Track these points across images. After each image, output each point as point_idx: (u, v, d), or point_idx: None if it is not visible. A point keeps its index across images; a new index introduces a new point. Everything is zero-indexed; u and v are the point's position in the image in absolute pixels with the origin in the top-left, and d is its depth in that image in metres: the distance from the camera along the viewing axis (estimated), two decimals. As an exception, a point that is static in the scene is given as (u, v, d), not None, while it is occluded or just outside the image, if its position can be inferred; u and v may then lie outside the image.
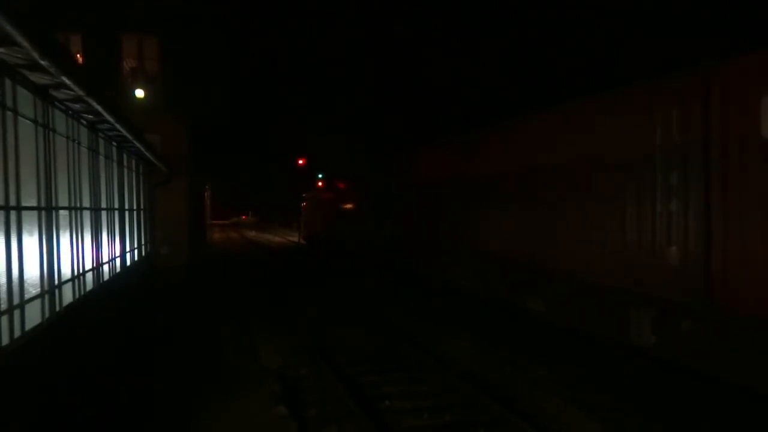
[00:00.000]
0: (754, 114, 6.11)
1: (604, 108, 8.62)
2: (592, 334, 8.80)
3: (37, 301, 5.68)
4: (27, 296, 5.31)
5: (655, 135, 7.48)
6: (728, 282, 6.44)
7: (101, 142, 9.09)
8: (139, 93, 20.28)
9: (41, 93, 5.93)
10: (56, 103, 6.50)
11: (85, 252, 7.80)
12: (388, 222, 19.01)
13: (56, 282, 6.26)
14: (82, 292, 7.51)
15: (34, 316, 5.54)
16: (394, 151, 22.85)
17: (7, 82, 5.04)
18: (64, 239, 6.76)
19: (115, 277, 9.93)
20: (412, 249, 16.68)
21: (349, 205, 25.23)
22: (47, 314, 5.92)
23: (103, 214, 9.14)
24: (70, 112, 7.09)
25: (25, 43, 4.21)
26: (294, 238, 44.02)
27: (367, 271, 20.66)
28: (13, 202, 4.99)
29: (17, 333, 5.00)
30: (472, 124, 19.09)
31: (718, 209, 6.56)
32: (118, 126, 8.34)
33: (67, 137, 7.07)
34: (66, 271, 6.82)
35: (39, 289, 5.74)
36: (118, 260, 10.36)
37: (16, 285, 5.01)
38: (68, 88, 5.83)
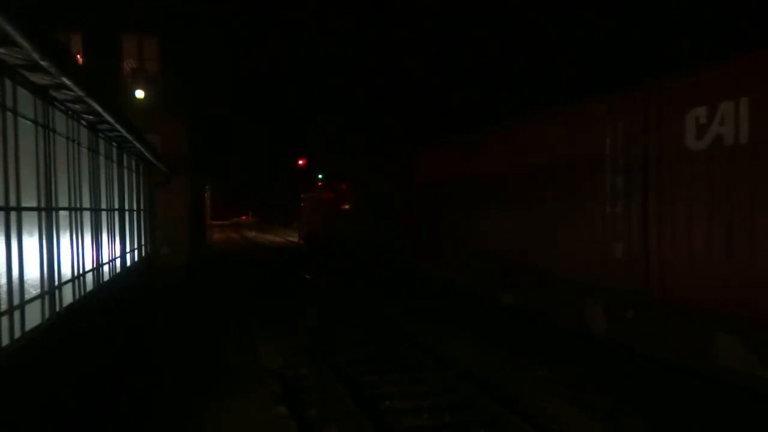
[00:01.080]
0: (681, 128, 7.06)
1: (565, 118, 9.46)
2: (555, 322, 9.71)
3: (37, 302, 5.68)
4: (27, 297, 5.31)
5: (605, 144, 8.35)
6: (662, 274, 7.31)
7: (101, 142, 9.09)
8: (139, 93, 20.28)
9: (41, 93, 5.93)
10: (56, 103, 6.50)
11: (85, 252, 7.80)
12: (385, 222, 19.12)
13: (56, 282, 6.26)
14: (83, 293, 7.51)
15: (34, 317, 5.54)
16: (391, 151, 23.05)
17: (7, 83, 5.04)
18: (64, 240, 6.76)
19: (115, 277, 9.93)
20: (409, 249, 16.79)
21: (347, 206, 25.29)
22: (47, 315, 5.92)
23: (103, 214, 9.14)
24: (70, 112, 7.09)
25: (25, 44, 4.21)
26: (294, 238, 44.02)
27: (366, 271, 20.72)
28: (13, 203, 4.99)
29: (17, 333, 5.01)
30: (467, 126, 19.31)
31: (654, 209, 7.45)
32: (118, 126, 8.34)
33: (67, 138, 7.07)
34: (66, 272, 6.82)
35: (39, 290, 5.74)
36: (118, 260, 10.37)
37: (16, 285, 5.01)
38: (68, 88, 5.83)
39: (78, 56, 19.19)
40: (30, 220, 5.51)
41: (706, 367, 6.70)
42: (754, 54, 6.38)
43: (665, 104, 7.33)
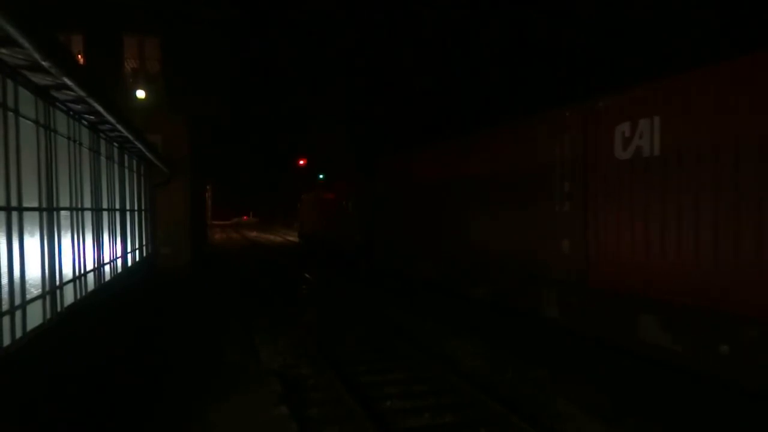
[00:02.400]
0: (611, 140, 8.18)
1: (525, 130, 10.58)
2: (517, 309, 10.88)
3: (39, 302, 5.69)
4: (28, 297, 5.32)
5: (555, 154, 9.51)
6: (597, 265, 8.48)
7: (102, 142, 9.10)
8: (140, 94, 20.30)
9: (42, 94, 5.94)
10: (57, 103, 6.51)
11: (87, 252, 7.81)
12: (378, 222, 19.45)
13: (57, 282, 6.27)
14: (84, 293, 7.52)
15: (35, 317, 5.55)
16: (384, 153, 23.31)
17: (9, 83, 5.05)
18: (66, 240, 6.77)
19: (116, 277, 9.94)
20: (400, 248, 17.13)
21: (342, 206, 25.52)
22: (48, 315, 5.93)
23: (105, 214, 9.15)
24: (71, 112, 7.10)
25: (26, 45, 4.22)
26: (294, 238, 44.07)
27: (363, 270, 20.95)
28: (14, 203, 5.00)
29: (18, 333, 5.02)
30: (464, 127, 19.66)
31: (591, 210, 8.63)
32: (119, 127, 8.35)
33: (69, 138, 7.08)
34: (67, 272, 6.83)
35: (40, 290, 5.76)
36: (119, 261, 10.38)
37: (17, 285, 5.02)
38: (69, 89, 5.84)
39: (79, 57, 19.22)
40: (31, 220, 5.52)
41: (629, 343, 7.82)
42: (663, 79, 7.49)
43: (599, 121, 8.48)
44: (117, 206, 10.29)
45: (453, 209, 13.24)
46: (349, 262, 23.04)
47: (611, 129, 8.16)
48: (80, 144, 7.61)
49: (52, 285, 6.04)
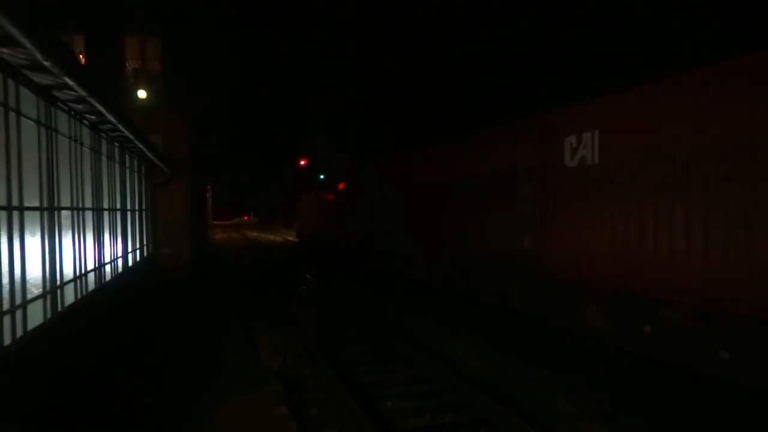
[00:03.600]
0: (561, 150, 9.32)
1: (494, 138, 11.81)
2: (487, 300, 12.01)
3: (39, 302, 5.70)
4: (29, 296, 5.33)
5: (517, 159, 10.61)
6: (552, 259, 9.59)
7: (103, 142, 9.11)
8: (141, 94, 20.32)
9: (44, 94, 5.95)
10: (59, 103, 6.52)
11: (87, 252, 7.82)
12: (372, 223, 19.70)
13: (58, 282, 6.28)
14: (84, 293, 7.53)
15: (36, 316, 5.56)
16: (384, 154, 23.58)
17: (10, 83, 5.06)
18: (66, 239, 6.78)
19: (116, 277, 9.95)
20: (397, 249, 17.38)
21: (339, 206, 25.66)
22: (49, 314, 5.94)
23: (105, 214, 9.16)
24: (72, 112, 7.11)
25: (28, 45, 4.23)
26: (295, 238, 44.09)
27: (359, 269, 21.12)
28: (15, 203, 5.01)
29: (19, 333, 5.02)
30: (460, 128, 20.02)
31: (548, 210, 9.74)
32: (120, 126, 8.36)
33: (70, 138, 7.09)
34: (68, 272, 6.84)
35: (41, 290, 5.76)
36: (119, 260, 10.39)
37: (18, 285, 5.02)
38: (71, 88, 5.85)
39: (80, 56, 19.23)
40: (32, 220, 5.53)
41: (575, 326, 8.94)
42: (600, 98, 8.66)
43: (552, 133, 9.65)
44: (118, 206, 10.30)
45: (449, 210, 13.71)
46: (348, 262, 23.12)
47: (561, 140, 9.33)
48: (81, 144, 7.62)
49: (52, 284, 6.05)
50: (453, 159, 13.66)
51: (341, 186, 25.91)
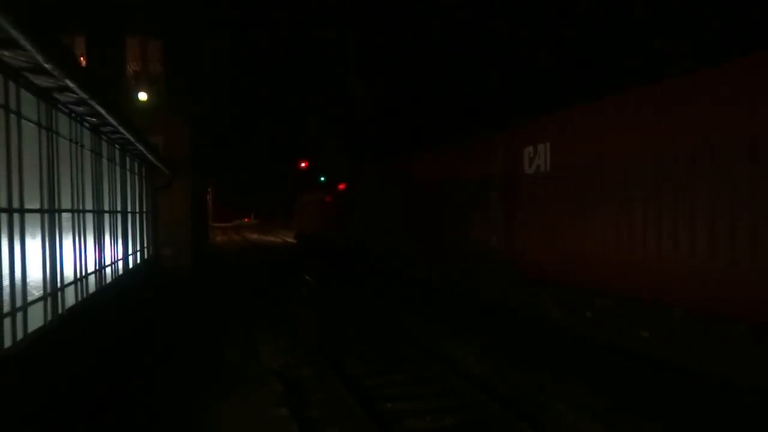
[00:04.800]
0: (521, 159, 10.61)
1: (471, 147, 12.94)
2: (462, 292, 13.28)
3: (40, 304, 5.71)
4: (30, 299, 5.34)
5: (489, 168, 11.81)
6: (516, 256, 10.80)
7: (104, 144, 9.12)
8: (142, 95, 20.35)
9: (45, 96, 5.96)
10: (60, 106, 6.54)
11: (88, 254, 7.83)
12: (372, 223, 19.94)
13: (59, 284, 6.29)
14: (85, 295, 7.54)
15: (36, 319, 5.57)
16: (384, 155, 23.92)
17: (11, 85, 5.07)
18: (67, 242, 6.79)
19: (117, 279, 9.96)
20: (396, 249, 17.61)
21: (339, 207, 25.87)
22: (50, 316, 5.95)
23: (106, 216, 9.17)
24: (73, 114, 7.12)
25: (29, 47, 4.24)
26: (294, 240, 44.13)
27: (357, 270, 21.30)
28: (16, 205, 5.02)
29: (20, 335, 5.03)
30: (457, 131, 20.38)
31: (511, 212, 11.00)
32: (121, 129, 8.38)
33: (71, 140, 7.10)
34: (69, 274, 6.85)
35: (42, 292, 5.77)
36: (120, 262, 10.40)
37: (18, 287, 5.03)
38: (72, 91, 5.86)
39: (81, 59, 19.26)
40: (33, 222, 5.54)
41: (535, 313, 10.13)
42: (551, 115, 10.04)
43: (514, 144, 10.88)
44: (118, 208, 10.31)
45: (445, 211, 14.24)
46: (347, 262, 23.21)
47: (521, 150, 10.57)
48: (82, 146, 7.63)
49: (53, 287, 6.06)
50: (451, 160, 14.11)
51: (341, 186, 26.09)
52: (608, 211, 8.34)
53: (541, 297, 9.88)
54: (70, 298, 6.82)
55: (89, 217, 7.97)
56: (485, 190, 11.83)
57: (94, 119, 7.82)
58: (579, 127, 9.14)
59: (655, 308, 7.46)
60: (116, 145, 10.17)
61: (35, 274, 5.60)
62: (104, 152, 9.16)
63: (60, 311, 6.29)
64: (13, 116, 5.09)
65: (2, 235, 4.82)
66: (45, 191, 5.87)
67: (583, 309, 8.70)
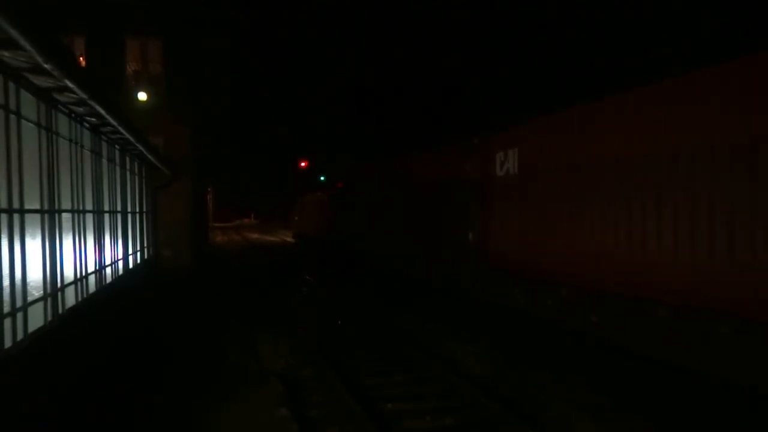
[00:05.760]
0: (493, 163, 11.72)
1: (452, 151, 13.93)
2: (443, 287, 14.34)
3: (40, 304, 5.70)
4: (30, 299, 5.33)
5: (468, 170, 12.80)
6: (490, 252, 11.77)
7: (104, 145, 9.12)
8: (142, 96, 20.33)
9: (44, 96, 5.96)
10: (59, 106, 6.53)
11: (88, 254, 7.83)
12: (368, 222, 20.20)
13: (59, 285, 6.29)
14: (85, 295, 7.54)
15: (36, 319, 5.57)
16: (383, 155, 24.25)
17: (11, 86, 5.07)
18: (67, 242, 6.78)
19: (117, 279, 9.96)
20: (391, 246, 17.92)
21: (338, 207, 25.98)
22: (50, 317, 5.95)
23: (106, 216, 9.17)
24: (73, 115, 7.12)
25: (29, 47, 4.24)
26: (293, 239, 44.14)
27: (356, 270, 21.39)
28: (16, 205, 5.02)
29: (20, 335, 5.03)
30: (458, 131, 20.71)
31: (484, 210, 12.08)
32: (120, 129, 8.37)
33: (70, 140, 7.10)
34: (69, 274, 6.85)
35: (42, 292, 5.77)
36: (120, 263, 10.40)
37: (19, 287, 5.03)
38: (71, 91, 5.86)
39: (81, 59, 19.25)
40: (33, 223, 5.53)
41: (506, 303, 11.15)
42: (519, 125, 11.12)
43: (488, 149, 11.98)
44: (118, 208, 10.31)
45: (442, 210, 14.66)
46: (345, 261, 23.25)
47: (494, 155, 11.69)
48: (82, 146, 7.63)
49: (53, 287, 6.06)
50: (452, 160, 14.45)
51: (339, 185, 26.30)
52: (566, 209, 9.37)
53: (510, 288, 11.05)
54: (70, 298, 6.82)
55: (89, 217, 7.97)
56: (466, 190, 12.95)
57: (93, 119, 7.82)
58: (539, 136, 10.39)
59: (600, 297, 8.61)
60: (116, 146, 10.17)
61: (35, 275, 5.60)
62: (104, 152, 9.16)
63: (60, 311, 6.29)
64: (12, 117, 5.09)
65: (2, 235, 4.81)
66: (45, 191, 5.86)
67: (545, 298, 9.80)
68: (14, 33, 3.93)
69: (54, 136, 6.29)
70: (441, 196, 14.22)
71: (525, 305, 10.53)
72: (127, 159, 11.44)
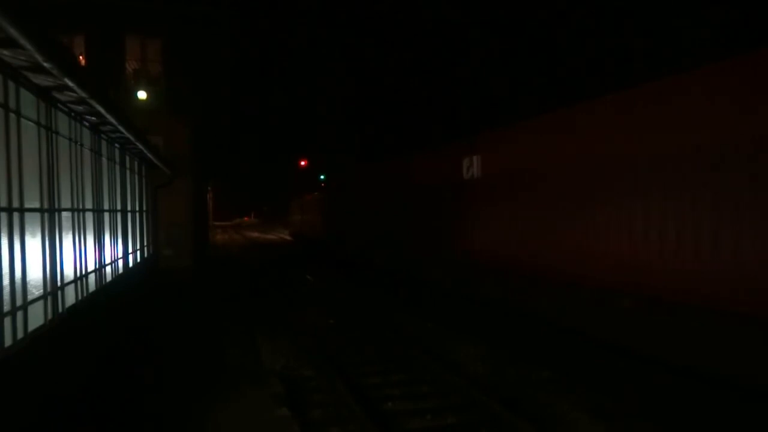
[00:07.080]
0: (460, 168, 13.04)
1: (436, 157, 14.99)
2: (425, 281, 15.36)
3: (40, 303, 5.69)
4: (30, 298, 5.32)
5: (445, 173, 13.90)
6: (471, 249, 12.74)
7: (104, 143, 9.11)
8: (142, 95, 20.32)
9: (44, 95, 5.95)
10: (59, 105, 6.52)
11: (88, 253, 7.81)
12: (366, 221, 20.43)
13: (59, 283, 6.28)
14: (85, 294, 7.53)
15: (36, 318, 5.56)
16: (383, 156, 24.56)
17: (10, 84, 5.06)
18: (67, 241, 6.77)
19: (117, 278, 9.95)
20: (396, 249, 17.90)
21: (337, 206, 26.12)
22: (50, 316, 5.94)
23: (106, 215, 9.16)
24: (72, 114, 7.11)
25: (28, 46, 4.23)
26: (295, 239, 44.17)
27: (355, 270, 21.52)
28: (16, 204, 5.01)
29: (20, 334, 5.02)
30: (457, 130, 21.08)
31: (457, 210, 13.32)
32: (120, 128, 8.36)
33: (70, 139, 7.09)
34: (69, 273, 6.83)
35: (41, 291, 5.76)
36: (120, 262, 10.39)
37: (18, 286, 5.02)
38: (71, 90, 5.85)
39: (81, 58, 19.24)
40: (33, 221, 5.52)
41: (481, 295, 12.23)
42: (481, 134, 12.67)
43: (456, 155, 13.26)
44: (118, 207, 10.30)
45: (444, 215, 15.03)
46: (346, 262, 23.26)
47: (461, 161, 13.02)
48: (81, 145, 7.62)
49: (53, 286, 6.05)
50: (429, 166, 15.67)
51: (333, 185, 26.52)
52: (522, 207, 10.66)
53: (482, 282, 12.24)
54: (70, 297, 6.81)
55: (89, 216, 7.96)
56: (444, 194, 14.07)
57: (93, 118, 7.81)
58: (500, 145, 11.74)
59: (544, 285, 9.91)
60: (116, 144, 10.15)
61: (35, 273, 5.59)
62: (104, 151, 9.14)
63: (60, 310, 6.28)
64: (12, 115, 5.08)
65: (2, 234, 4.81)
66: (45, 190, 5.85)
67: (525, 290, 10.71)
68: (14, 32, 3.92)
69: (54, 135, 6.28)
70: (431, 199, 15.01)
71: (500, 296, 11.58)
72: (127, 158, 11.43)
